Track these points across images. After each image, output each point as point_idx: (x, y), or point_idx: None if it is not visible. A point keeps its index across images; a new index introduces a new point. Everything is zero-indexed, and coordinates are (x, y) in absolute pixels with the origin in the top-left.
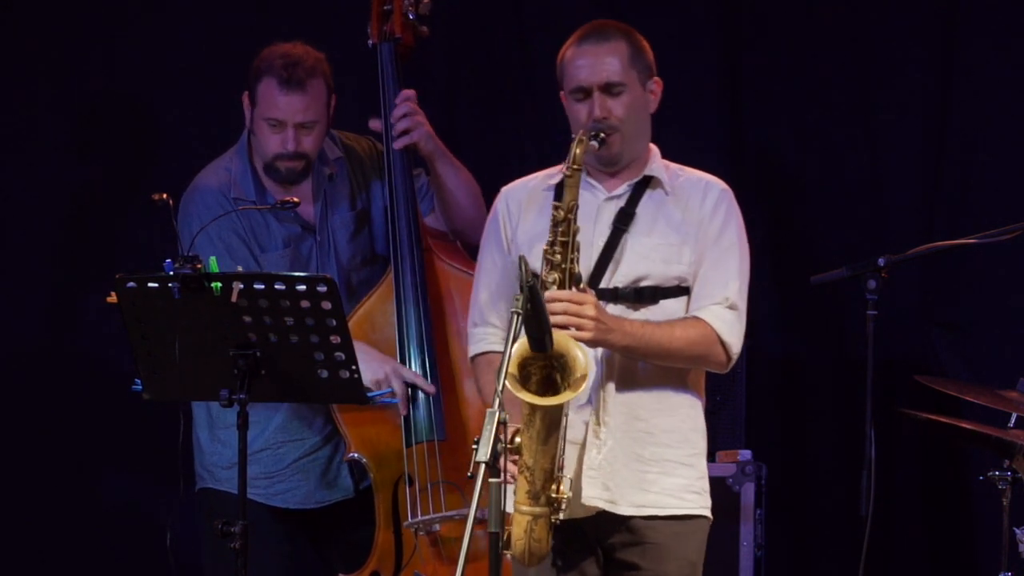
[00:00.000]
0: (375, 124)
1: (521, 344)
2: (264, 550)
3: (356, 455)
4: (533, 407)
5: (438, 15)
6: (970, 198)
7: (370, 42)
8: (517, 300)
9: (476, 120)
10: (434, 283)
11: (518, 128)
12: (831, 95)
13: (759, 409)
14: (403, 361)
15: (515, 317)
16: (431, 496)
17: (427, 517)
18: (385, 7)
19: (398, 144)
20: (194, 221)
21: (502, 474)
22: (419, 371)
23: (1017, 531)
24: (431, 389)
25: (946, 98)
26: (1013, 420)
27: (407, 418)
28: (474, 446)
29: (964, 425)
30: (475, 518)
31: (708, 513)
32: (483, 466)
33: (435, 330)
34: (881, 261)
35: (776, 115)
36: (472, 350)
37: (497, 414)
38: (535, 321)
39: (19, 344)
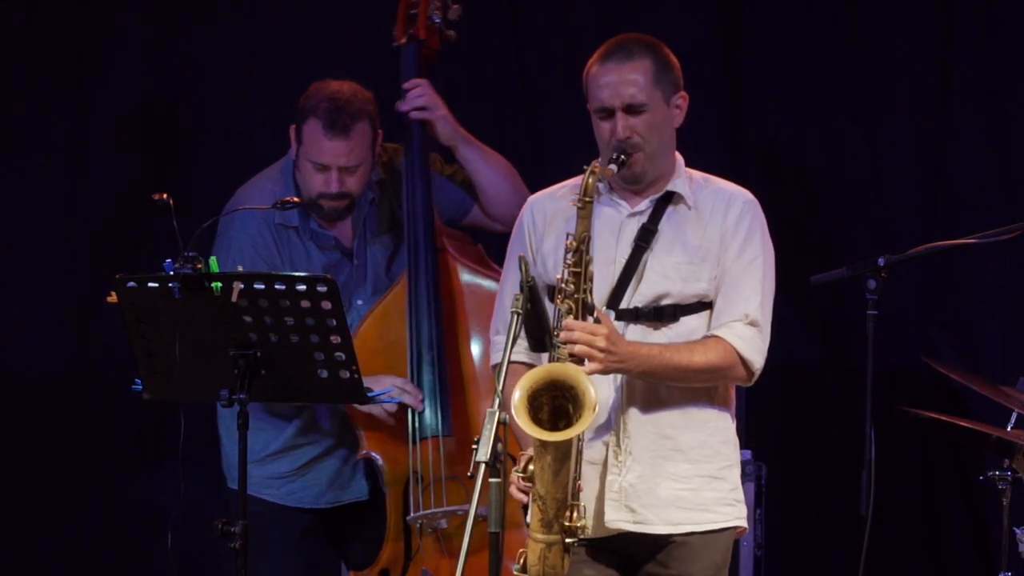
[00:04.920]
0: (404, 106)
1: (530, 377)
2: (279, 548)
3: (369, 453)
4: (543, 441)
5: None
6: (970, 198)
7: (395, 44)
8: (517, 300)
9: (474, 130)
10: (447, 282)
11: (516, 137)
12: (831, 95)
13: (759, 409)
14: (412, 359)
15: (515, 317)
16: (434, 491)
17: (429, 511)
18: (411, 11)
19: (414, 115)
20: (233, 244)
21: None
22: (427, 369)
23: (1017, 531)
24: (419, 396)
25: (946, 98)
26: (1013, 420)
27: (413, 414)
28: (474, 446)
29: (964, 424)
30: (476, 517)
31: (742, 523)
32: (483, 466)
33: (447, 328)
34: (881, 261)
35: (776, 115)
36: (495, 358)
37: (497, 414)
38: (535, 321)
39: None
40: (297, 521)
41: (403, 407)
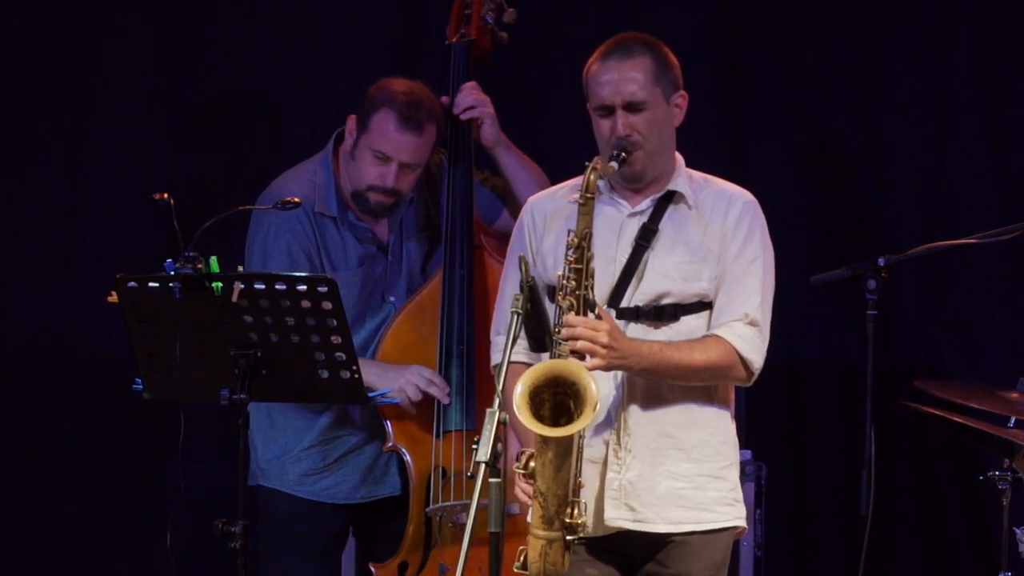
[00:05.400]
0: (445, 99)
1: (532, 373)
2: (312, 545)
3: (396, 446)
4: (545, 437)
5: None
6: (970, 198)
7: (446, 42)
8: (517, 300)
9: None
10: (482, 278)
11: (515, 139)
12: (832, 95)
13: (759, 409)
14: (443, 351)
15: (515, 317)
16: (452, 484)
17: (449, 503)
18: (466, 11)
19: (464, 116)
20: (270, 230)
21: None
22: (456, 362)
23: (1017, 531)
24: (445, 388)
25: (947, 98)
26: (1013, 420)
27: (439, 407)
28: (474, 446)
29: (964, 423)
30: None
31: (741, 522)
32: (483, 466)
33: (479, 324)
34: (881, 261)
35: (776, 115)
36: (495, 359)
37: (497, 414)
38: (535, 321)
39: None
40: (330, 519)
41: (429, 399)
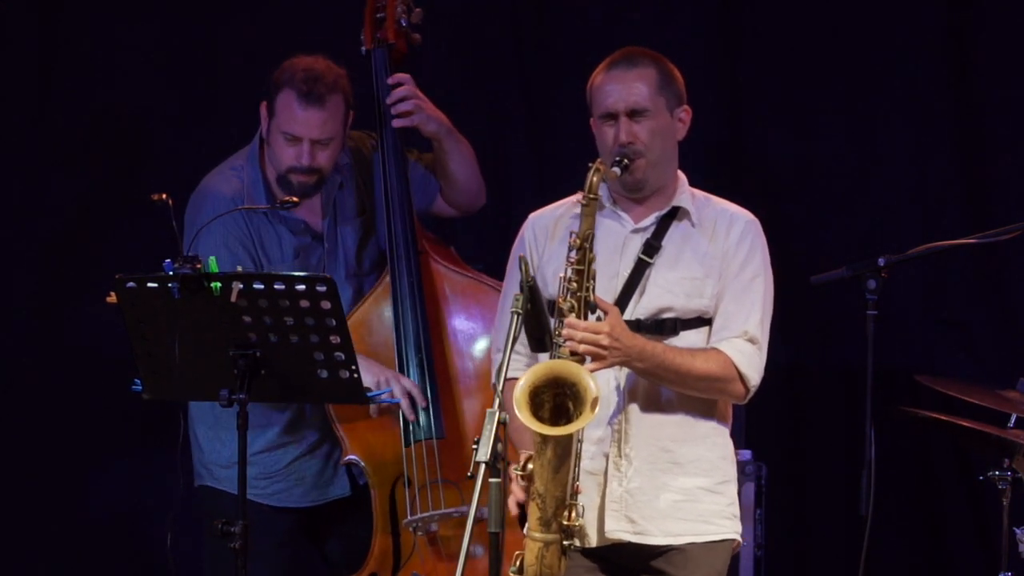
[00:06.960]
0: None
1: (533, 372)
2: (263, 548)
3: (353, 458)
4: (544, 436)
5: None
6: (971, 198)
7: (363, 48)
8: (517, 300)
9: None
10: (430, 284)
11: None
12: (831, 95)
13: (759, 409)
14: (400, 362)
15: (515, 317)
16: (430, 494)
17: (425, 515)
18: (378, 15)
19: (397, 123)
20: (203, 232)
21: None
22: (416, 372)
23: (1017, 531)
24: (422, 403)
25: (947, 98)
26: (1013, 420)
27: (406, 418)
28: (474, 446)
29: (964, 424)
30: (475, 518)
31: (739, 537)
32: (483, 466)
33: (432, 331)
34: (881, 261)
35: (775, 115)
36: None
37: (497, 414)
38: (535, 321)
39: (14, 347)
40: (281, 521)
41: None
